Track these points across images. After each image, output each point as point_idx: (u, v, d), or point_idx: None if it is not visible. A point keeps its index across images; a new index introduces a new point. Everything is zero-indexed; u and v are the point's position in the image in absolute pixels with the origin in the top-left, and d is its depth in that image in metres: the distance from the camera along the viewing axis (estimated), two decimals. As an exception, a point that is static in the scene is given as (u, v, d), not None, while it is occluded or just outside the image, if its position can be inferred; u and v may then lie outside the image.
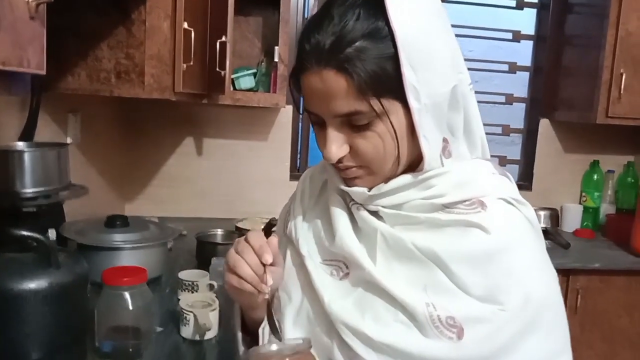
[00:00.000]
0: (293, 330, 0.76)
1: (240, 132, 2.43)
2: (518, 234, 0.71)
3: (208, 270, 1.48)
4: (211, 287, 1.39)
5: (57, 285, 0.94)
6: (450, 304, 0.66)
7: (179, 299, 1.37)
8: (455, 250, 0.68)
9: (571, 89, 2.50)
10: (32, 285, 0.92)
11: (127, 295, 1.05)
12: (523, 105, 2.77)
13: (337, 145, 0.69)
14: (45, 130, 1.48)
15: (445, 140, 0.71)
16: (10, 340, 0.93)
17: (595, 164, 2.62)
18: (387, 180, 0.72)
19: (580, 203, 2.64)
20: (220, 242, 1.73)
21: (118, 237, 1.43)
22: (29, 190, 0.93)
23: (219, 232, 1.82)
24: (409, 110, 0.66)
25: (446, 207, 0.71)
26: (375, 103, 0.65)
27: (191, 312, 1.16)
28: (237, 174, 2.45)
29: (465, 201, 0.71)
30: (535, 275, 0.70)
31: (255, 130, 2.44)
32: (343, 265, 0.75)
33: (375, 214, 0.73)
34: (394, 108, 0.67)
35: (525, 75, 2.76)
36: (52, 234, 0.97)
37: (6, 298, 0.91)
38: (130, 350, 1.07)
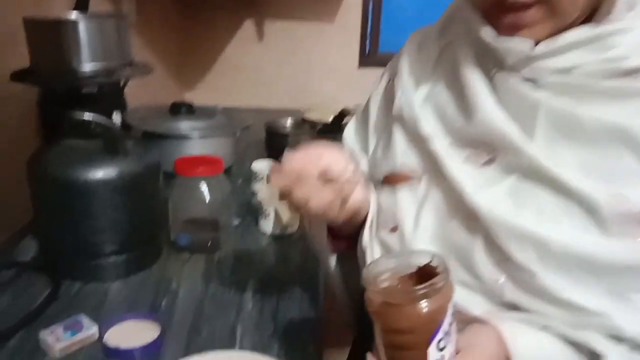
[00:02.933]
0: (415, 226, 0.63)
1: (304, 12, 2.20)
2: None
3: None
4: (287, 179, 1.29)
5: (128, 175, 0.84)
6: None
7: (253, 192, 1.28)
8: None
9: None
10: (100, 174, 0.82)
11: (203, 186, 0.95)
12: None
13: None
14: (98, 9, 1.34)
15: None
16: (80, 234, 0.85)
17: None
18: (559, 32, 0.55)
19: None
20: (290, 132, 1.60)
21: (185, 125, 1.32)
22: (87, 66, 0.80)
23: (289, 121, 1.68)
24: None
25: (628, 73, 0.54)
26: None
27: (272, 206, 1.06)
28: (301, 60, 2.25)
29: None
30: None
31: (320, 11, 2.20)
32: (484, 148, 0.60)
33: (529, 83, 0.57)
34: None
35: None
36: (116, 118, 0.85)
37: (72, 189, 0.82)
38: (209, 244, 0.99)
